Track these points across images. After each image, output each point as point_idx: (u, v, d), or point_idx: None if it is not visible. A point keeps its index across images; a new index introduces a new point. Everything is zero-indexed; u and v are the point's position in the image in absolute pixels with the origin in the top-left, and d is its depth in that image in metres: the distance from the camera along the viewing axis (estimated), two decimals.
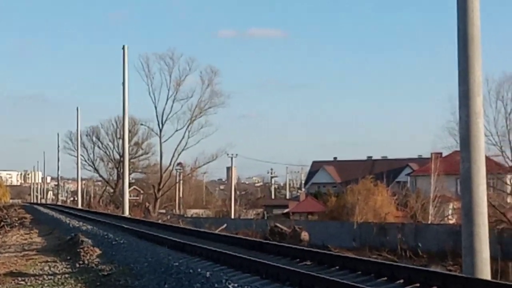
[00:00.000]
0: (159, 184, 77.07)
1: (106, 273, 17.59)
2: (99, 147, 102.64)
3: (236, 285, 13.05)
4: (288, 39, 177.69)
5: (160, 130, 77.40)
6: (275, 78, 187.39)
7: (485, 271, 14.11)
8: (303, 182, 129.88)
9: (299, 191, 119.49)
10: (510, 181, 53.25)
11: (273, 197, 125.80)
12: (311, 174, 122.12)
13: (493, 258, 24.65)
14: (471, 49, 14.58)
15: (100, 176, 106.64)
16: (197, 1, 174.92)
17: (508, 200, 52.27)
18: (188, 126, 76.51)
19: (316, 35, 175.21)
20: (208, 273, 14.68)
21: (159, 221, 44.34)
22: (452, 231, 44.34)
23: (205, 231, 30.09)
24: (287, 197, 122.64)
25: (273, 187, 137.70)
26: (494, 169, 50.68)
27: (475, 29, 14.61)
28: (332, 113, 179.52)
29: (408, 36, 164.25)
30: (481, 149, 14.69)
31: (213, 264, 16.66)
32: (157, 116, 77.27)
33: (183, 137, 76.26)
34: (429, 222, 60.64)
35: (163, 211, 77.71)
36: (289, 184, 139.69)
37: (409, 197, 65.52)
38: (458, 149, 15.33)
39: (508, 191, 52.44)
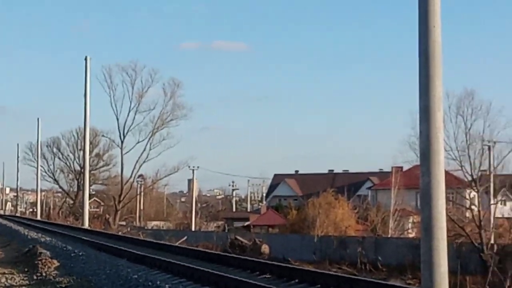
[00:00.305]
0: (120, 196, 76.48)
1: (64, 286, 17.39)
2: (59, 158, 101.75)
3: None
4: (251, 52, 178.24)
5: (122, 142, 76.90)
6: (238, 91, 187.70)
7: (443, 285, 14.14)
8: (264, 195, 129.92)
9: (260, 204, 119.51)
10: (469, 196, 53.69)
11: (234, 209, 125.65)
12: (272, 187, 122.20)
13: (452, 272, 24.83)
14: (432, 65, 14.65)
15: (60, 187, 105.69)
16: (161, 13, 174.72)
17: (467, 214, 52.70)
18: (149, 138, 76.16)
19: (280, 49, 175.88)
20: (167, 285, 14.59)
21: (119, 233, 44.08)
22: (412, 244, 44.66)
23: (165, 243, 29.94)
24: (248, 209, 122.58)
25: (234, 199, 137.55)
26: (454, 183, 51.11)
27: (436, 45, 14.69)
28: (294, 126, 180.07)
29: (369, 50, 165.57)
30: (441, 164, 14.75)
31: (172, 277, 16.57)
32: (118, 127, 76.76)
33: (144, 149, 75.88)
34: (389, 235, 60.99)
35: (124, 223, 77.14)
36: (250, 197, 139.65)
37: (370, 211, 65.83)
38: (419, 163, 15.40)
39: (467, 205, 52.86)
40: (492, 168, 54.63)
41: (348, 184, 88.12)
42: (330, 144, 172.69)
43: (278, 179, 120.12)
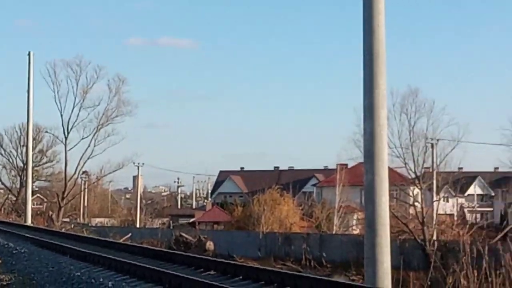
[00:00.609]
0: (63, 192, 75.56)
1: (5, 283, 17.15)
2: (1, 154, 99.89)
3: None
4: (197, 49, 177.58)
5: (66, 138, 75.86)
6: (184, 88, 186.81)
7: (386, 281, 14.29)
8: (209, 191, 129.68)
9: (206, 200, 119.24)
10: (413, 193, 54.30)
11: (179, 206, 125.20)
12: (217, 184, 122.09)
13: (395, 268, 25.13)
14: (376, 63, 14.79)
15: (2, 183, 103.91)
16: (107, 9, 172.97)
17: (411, 211, 53.28)
18: (94, 135, 75.33)
19: (225, 46, 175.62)
20: (110, 283, 14.48)
21: (63, 230, 43.59)
22: (356, 241, 44.97)
23: (110, 240, 29.70)
24: (194, 206, 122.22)
25: (179, 196, 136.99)
26: (398, 180, 51.66)
27: (380, 44, 14.83)
28: (239, 123, 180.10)
29: (315, 49, 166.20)
30: (385, 161, 14.91)
31: (116, 274, 16.43)
32: (62, 123, 75.70)
33: (89, 146, 75.02)
34: (334, 232, 61.33)
35: (67, 220, 76.33)
36: (196, 194, 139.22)
37: (315, 208, 66.15)
38: (363, 160, 15.50)
39: (411, 202, 53.47)
40: (435, 166, 55.36)
41: (293, 181, 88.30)
42: (275, 141, 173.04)
43: (223, 176, 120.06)
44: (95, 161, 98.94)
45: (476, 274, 19.40)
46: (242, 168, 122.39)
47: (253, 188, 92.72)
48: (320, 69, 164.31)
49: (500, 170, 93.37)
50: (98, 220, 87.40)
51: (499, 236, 45.83)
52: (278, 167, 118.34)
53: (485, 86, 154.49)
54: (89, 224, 75.27)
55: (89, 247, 23.61)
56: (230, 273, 15.20)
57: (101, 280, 14.96)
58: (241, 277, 14.64)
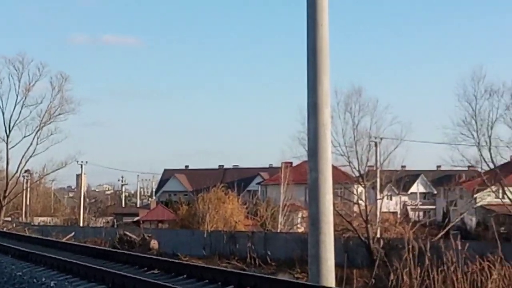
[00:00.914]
0: (5, 191, 74.55)
1: None
2: None
3: None
4: (142, 47, 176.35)
5: (7, 136, 74.86)
6: (128, 86, 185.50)
7: (330, 279, 14.35)
8: (154, 190, 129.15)
9: (150, 199, 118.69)
10: (357, 191, 54.71)
11: (123, 205, 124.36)
12: (162, 182, 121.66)
13: (339, 266, 25.26)
14: (320, 62, 14.82)
15: None
16: (50, 5, 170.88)
17: (355, 209, 53.67)
18: (37, 133, 74.49)
19: (170, 44, 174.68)
20: (52, 282, 14.31)
21: (4, 229, 42.97)
22: (300, 239, 45.14)
23: (52, 239, 29.37)
24: (138, 205, 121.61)
25: (123, 195, 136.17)
26: (342, 179, 51.94)
27: (323, 42, 14.87)
28: (184, 121, 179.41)
29: (261, 47, 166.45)
30: (328, 160, 14.95)
31: (58, 273, 16.25)
32: (4, 121, 74.71)
33: (31, 144, 74.16)
34: (279, 230, 61.52)
35: (9, 219, 75.33)
36: (140, 192, 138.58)
37: (259, 206, 66.24)
38: (307, 159, 15.54)
39: (355, 200, 53.87)
40: (378, 164, 55.83)
41: (238, 180, 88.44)
42: (220, 140, 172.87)
43: (168, 174, 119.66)
44: (37, 160, 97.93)
45: (418, 271, 19.63)
46: (186, 166, 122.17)
47: (198, 186, 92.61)
48: (264, 67, 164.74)
49: (442, 168, 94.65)
50: (40, 219, 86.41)
51: (441, 234, 46.37)
52: (223, 166, 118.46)
53: (427, 86, 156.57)
54: (32, 223, 74.35)
55: (31, 246, 23.33)
56: (174, 272, 15.14)
57: (43, 279, 14.78)
58: (185, 276, 14.59)
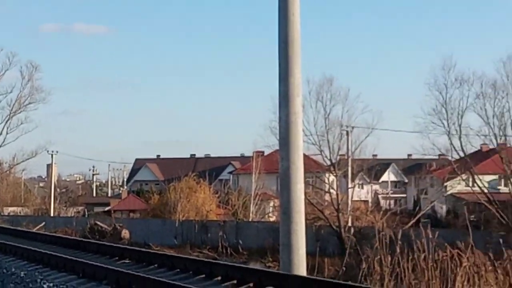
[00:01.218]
0: None
1: None
2: None
3: (51, 284, 12.70)
4: (113, 36, 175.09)
5: None
6: (99, 75, 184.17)
7: (301, 267, 14.39)
8: (125, 179, 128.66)
9: (121, 188, 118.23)
10: (329, 180, 54.92)
11: (94, 194, 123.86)
12: (133, 172, 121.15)
13: (310, 255, 25.37)
14: (291, 51, 14.82)
15: None
16: None
17: (326, 198, 53.90)
18: (6, 122, 74.21)
19: (141, 34, 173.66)
20: (22, 272, 14.22)
21: None
22: (272, 228, 45.26)
23: (22, 229, 29.18)
24: (109, 194, 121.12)
25: (94, 184, 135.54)
26: (314, 168, 52.14)
27: (295, 32, 14.87)
28: (156, 110, 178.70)
29: (232, 36, 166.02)
30: (300, 149, 14.97)
31: (28, 264, 16.15)
32: None
33: (1, 133, 73.85)
34: (250, 219, 61.64)
35: None
36: (111, 182, 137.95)
37: (231, 195, 66.25)
38: (279, 148, 15.56)
39: (326, 189, 54.09)
40: (350, 153, 56.06)
41: (209, 169, 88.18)
42: (192, 129, 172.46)
43: (139, 164, 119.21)
44: (7, 149, 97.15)
45: (389, 260, 19.75)
46: (158, 156, 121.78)
47: (169, 176, 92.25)
48: (237, 56, 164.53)
49: (413, 157, 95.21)
50: (10, 209, 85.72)
51: (412, 222, 46.74)
52: (194, 155, 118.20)
53: (398, 75, 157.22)
54: (1, 214, 73.76)
55: (1, 236, 23.14)
56: (145, 261, 15.11)
57: (13, 270, 14.69)
58: (156, 265, 14.56)
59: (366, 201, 66.21)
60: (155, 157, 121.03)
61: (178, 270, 13.76)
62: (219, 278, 12.52)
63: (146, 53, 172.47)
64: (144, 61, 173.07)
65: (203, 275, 12.92)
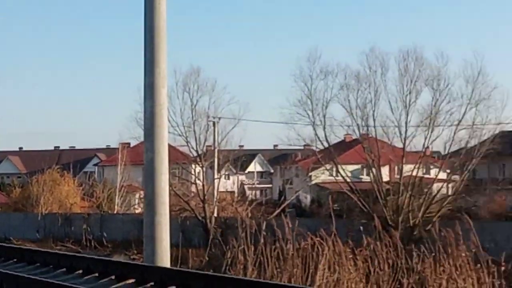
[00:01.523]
0: None
1: None
2: None
3: None
4: None
5: None
6: None
7: (165, 259, 14.37)
8: None
9: None
10: (195, 171, 55.00)
11: None
12: None
13: (175, 246, 25.35)
14: (157, 41, 14.72)
15: None
16: None
17: (193, 189, 54.00)
18: None
19: (4, 23, 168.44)
20: None
21: None
22: (137, 220, 44.96)
23: None
24: None
25: None
26: (180, 159, 52.07)
27: (161, 21, 14.76)
28: (18, 101, 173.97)
29: (97, 25, 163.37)
30: (165, 140, 14.92)
31: None
32: None
33: None
34: (115, 212, 61.09)
35: None
36: None
37: (96, 187, 65.49)
38: (143, 139, 15.46)
39: (193, 180, 54.16)
40: (216, 144, 56.27)
41: (74, 161, 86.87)
42: (56, 120, 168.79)
43: (0, 156, 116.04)
44: None
45: (253, 249, 19.94)
46: (20, 148, 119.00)
47: (32, 168, 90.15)
48: (102, 46, 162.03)
49: (279, 147, 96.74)
50: None
51: (277, 212, 47.43)
52: (58, 147, 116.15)
53: (265, 66, 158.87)
54: None
55: None
56: (3, 257, 14.68)
57: None
58: (15, 260, 14.19)
59: (232, 192, 66.67)
60: (18, 149, 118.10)
61: (38, 264, 13.45)
62: (81, 271, 12.32)
63: (10, 43, 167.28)
64: (7, 51, 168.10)
65: (64, 269, 12.68)
